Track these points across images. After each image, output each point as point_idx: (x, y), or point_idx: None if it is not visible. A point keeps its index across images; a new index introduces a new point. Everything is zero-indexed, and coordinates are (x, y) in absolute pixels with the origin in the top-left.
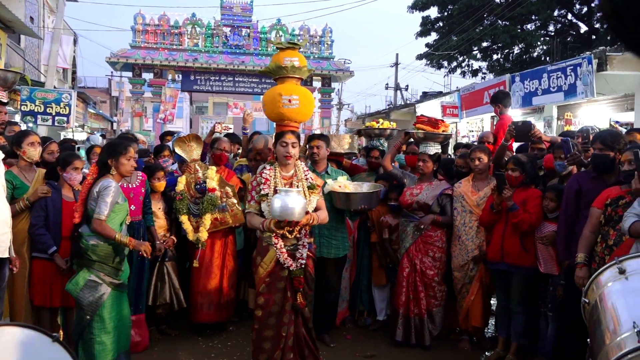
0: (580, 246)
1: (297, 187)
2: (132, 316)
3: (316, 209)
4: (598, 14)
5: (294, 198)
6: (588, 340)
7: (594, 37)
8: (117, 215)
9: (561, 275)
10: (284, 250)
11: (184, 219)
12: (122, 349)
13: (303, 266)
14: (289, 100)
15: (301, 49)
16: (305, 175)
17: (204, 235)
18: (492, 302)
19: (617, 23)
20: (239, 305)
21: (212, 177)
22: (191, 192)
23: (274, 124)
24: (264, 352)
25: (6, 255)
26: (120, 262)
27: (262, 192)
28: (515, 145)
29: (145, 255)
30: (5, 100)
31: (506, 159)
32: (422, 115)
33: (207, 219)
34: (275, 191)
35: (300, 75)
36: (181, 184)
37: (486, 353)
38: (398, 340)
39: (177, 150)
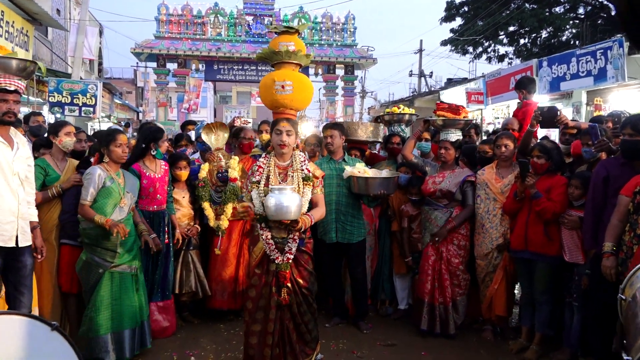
0: (608, 235)
1: (292, 177)
2: (159, 302)
3: (312, 205)
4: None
5: (289, 196)
6: (615, 330)
7: None
8: (107, 199)
9: (587, 265)
10: (271, 241)
11: (206, 205)
12: (120, 327)
13: (290, 261)
14: (282, 86)
15: (304, 35)
16: (301, 166)
17: (224, 223)
18: (516, 291)
19: (633, 21)
20: None
21: (234, 167)
22: (213, 180)
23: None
24: (251, 347)
25: (11, 244)
26: (113, 245)
27: (253, 180)
28: (541, 131)
29: (121, 236)
30: (10, 88)
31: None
32: (442, 101)
33: (229, 208)
34: (268, 179)
35: (297, 60)
36: (204, 171)
37: (510, 343)
38: (423, 329)
39: (204, 138)
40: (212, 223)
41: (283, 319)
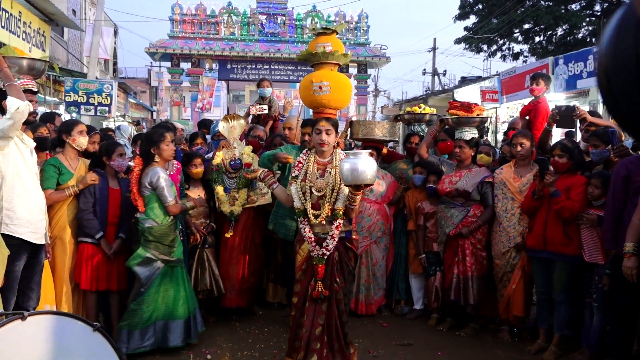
0: (629, 235)
1: (330, 173)
2: None
3: None
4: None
5: (365, 160)
6: (636, 331)
7: None
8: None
9: (607, 265)
10: (311, 235)
11: (219, 189)
12: (164, 317)
13: (325, 256)
14: (319, 87)
15: (337, 34)
16: None
17: (237, 209)
18: (534, 292)
19: (611, 100)
20: (261, 294)
21: (249, 153)
22: (226, 167)
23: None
24: (298, 339)
25: (43, 241)
26: (173, 240)
27: (293, 175)
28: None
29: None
30: (35, 90)
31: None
32: (454, 100)
33: (243, 194)
34: (306, 175)
35: (334, 60)
36: (218, 157)
37: (528, 344)
38: (453, 299)
39: (220, 128)
40: (224, 208)
41: (330, 315)
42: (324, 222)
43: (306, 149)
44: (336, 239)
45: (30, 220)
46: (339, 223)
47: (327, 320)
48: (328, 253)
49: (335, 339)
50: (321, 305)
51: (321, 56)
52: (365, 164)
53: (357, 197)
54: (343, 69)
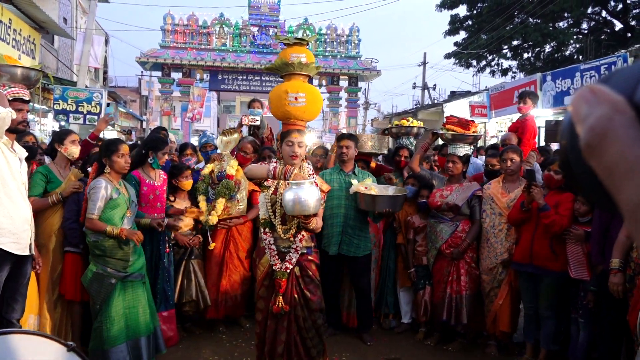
0: (615, 251)
1: None
2: (163, 312)
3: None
4: (634, 11)
5: (307, 190)
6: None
7: (629, 34)
8: (114, 210)
9: (592, 281)
10: (274, 247)
11: (201, 198)
12: (134, 336)
13: (288, 270)
14: (295, 98)
15: (309, 46)
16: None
17: (214, 218)
18: (521, 306)
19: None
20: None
21: (233, 166)
22: (213, 178)
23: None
24: (265, 356)
25: (27, 252)
26: (127, 254)
27: (264, 184)
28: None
29: (137, 243)
30: (27, 98)
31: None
32: (451, 115)
33: (220, 204)
34: (276, 189)
35: (307, 72)
36: (208, 169)
37: (514, 359)
38: (444, 319)
39: (217, 142)
40: (202, 217)
41: (290, 331)
42: (292, 238)
43: (275, 160)
44: (299, 252)
45: (12, 230)
46: (302, 236)
47: (287, 337)
48: (291, 267)
49: (295, 356)
50: (282, 322)
51: (296, 67)
52: (307, 194)
53: (309, 224)
54: (334, 81)
